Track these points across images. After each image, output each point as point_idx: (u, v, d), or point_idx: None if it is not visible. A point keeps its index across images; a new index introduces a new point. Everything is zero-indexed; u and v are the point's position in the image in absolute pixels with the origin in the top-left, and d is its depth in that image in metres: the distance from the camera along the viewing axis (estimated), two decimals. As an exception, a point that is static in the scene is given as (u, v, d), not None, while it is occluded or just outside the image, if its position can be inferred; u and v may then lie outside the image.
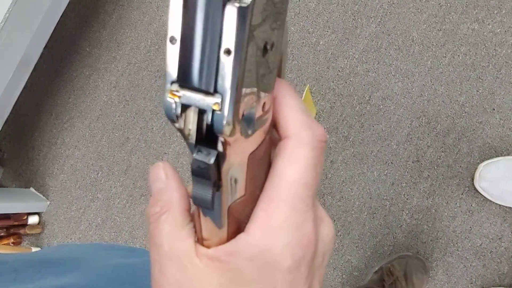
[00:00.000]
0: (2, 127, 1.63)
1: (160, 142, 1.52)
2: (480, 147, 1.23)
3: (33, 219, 1.57)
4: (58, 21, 1.51)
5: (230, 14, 0.18)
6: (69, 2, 1.50)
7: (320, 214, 0.26)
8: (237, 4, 0.17)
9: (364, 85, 1.34)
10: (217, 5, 0.18)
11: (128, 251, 0.65)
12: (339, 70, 1.36)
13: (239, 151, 0.21)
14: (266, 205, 0.23)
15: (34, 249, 1.55)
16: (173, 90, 0.19)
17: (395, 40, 1.33)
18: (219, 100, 0.19)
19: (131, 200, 1.53)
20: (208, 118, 0.19)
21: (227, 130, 0.19)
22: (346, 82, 1.35)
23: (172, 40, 0.19)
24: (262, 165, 0.24)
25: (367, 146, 1.31)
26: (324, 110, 1.36)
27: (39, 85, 1.64)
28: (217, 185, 0.22)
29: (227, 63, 0.18)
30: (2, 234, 1.51)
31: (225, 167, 0.21)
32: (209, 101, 0.19)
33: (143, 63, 1.56)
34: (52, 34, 1.51)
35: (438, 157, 1.26)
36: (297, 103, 0.24)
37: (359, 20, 1.36)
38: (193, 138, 0.20)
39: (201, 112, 0.20)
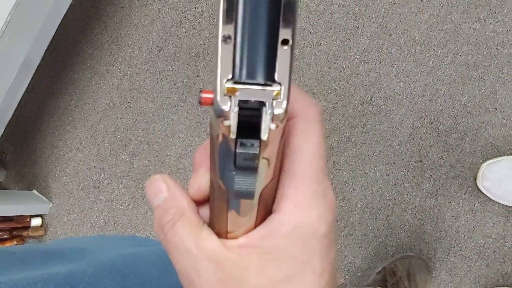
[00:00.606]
0: (5, 129, 1.64)
1: (162, 143, 1.52)
2: (483, 146, 1.23)
3: (36, 221, 1.57)
4: (60, 23, 1.51)
5: (287, 6, 0.18)
6: (70, 4, 1.50)
7: None
8: None
9: (366, 85, 1.34)
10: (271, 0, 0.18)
11: (131, 239, 0.66)
12: (340, 71, 1.36)
13: (277, 136, 0.22)
14: (293, 183, 0.25)
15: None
16: (230, 88, 0.20)
17: (396, 40, 1.33)
18: (278, 89, 0.20)
19: (133, 201, 1.53)
20: (267, 108, 0.20)
21: (283, 115, 0.20)
22: (348, 83, 1.35)
23: (226, 39, 0.19)
24: (282, 150, 0.25)
25: (369, 146, 1.31)
26: (326, 111, 1.36)
27: (41, 88, 1.65)
28: (257, 173, 0.23)
29: (285, 53, 0.19)
30: (5, 236, 1.51)
31: (264, 155, 0.22)
32: (269, 92, 0.20)
33: (144, 65, 1.56)
34: (53, 36, 1.52)
35: (441, 157, 1.26)
36: (302, 92, 0.26)
37: (361, 20, 1.36)
38: (234, 133, 0.21)
39: (242, 107, 0.20)
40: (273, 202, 0.26)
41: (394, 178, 1.29)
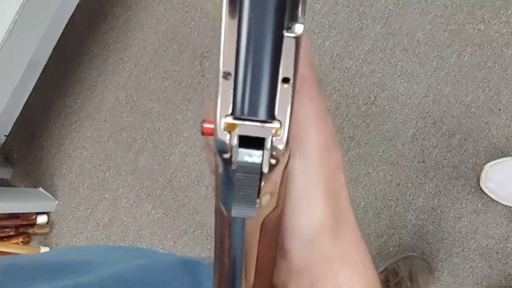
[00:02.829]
0: (12, 128, 1.66)
1: (167, 142, 1.53)
2: (486, 147, 1.23)
3: (41, 219, 1.58)
4: (67, 23, 1.53)
5: (289, 44, 0.18)
6: (77, 4, 1.52)
7: None
8: (293, 34, 0.18)
9: (369, 85, 1.34)
10: (273, 36, 0.18)
11: (135, 251, 0.66)
12: (344, 71, 1.36)
13: (280, 167, 0.22)
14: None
15: (42, 249, 1.56)
16: (230, 123, 0.20)
17: (400, 40, 1.33)
18: (278, 126, 0.20)
19: (138, 200, 1.54)
20: (267, 144, 0.20)
21: (284, 152, 0.20)
22: (351, 83, 1.36)
23: (227, 75, 0.19)
24: (286, 179, 0.25)
25: (372, 146, 1.31)
26: (330, 111, 1.36)
27: (48, 87, 1.66)
28: (257, 204, 0.23)
29: (286, 91, 0.19)
30: (11, 233, 1.53)
31: (266, 187, 0.22)
32: (268, 129, 0.20)
33: (150, 65, 1.58)
34: (60, 36, 1.54)
35: (444, 158, 1.26)
36: None
37: (365, 21, 1.36)
38: (235, 165, 0.21)
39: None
40: (279, 232, 0.26)
41: (397, 178, 1.29)
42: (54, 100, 1.67)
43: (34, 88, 1.57)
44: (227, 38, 0.19)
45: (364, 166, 1.32)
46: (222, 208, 0.24)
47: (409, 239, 1.26)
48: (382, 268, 1.24)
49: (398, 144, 1.29)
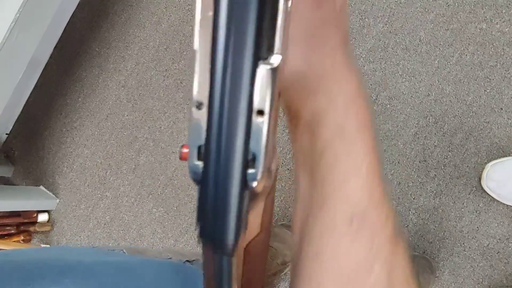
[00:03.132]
0: (13, 126, 1.66)
1: (168, 141, 1.53)
2: (488, 146, 1.22)
3: (42, 217, 1.59)
4: (68, 21, 1.53)
5: (263, 75, 0.18)
6: (78, 3, 1.52)
7: None
8: (268, 66, 0.18)
9: (371, 84, 1.34)
10: (247, 67, 0.18)
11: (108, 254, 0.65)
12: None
13: (261, 198, 0.22)
14: None
15: (43, 247, 1.57)
16: (202, 153, 0.19)
17: (402, 39, 1.32)
18: (252, 159, 0.19)
19: (139, 198, 1.54)
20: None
21: (260, 185, 0.20)
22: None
23: (199, 106, 0.19)
24: (271, 205, 0.25)
25: (373, 145, 1.31)
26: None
27: (49, 85, 1.66)
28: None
29: (260, 125, 0.19)
30: (12, 231, 1.53)
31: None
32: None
33: (151, 63, 1.57)
34: (62, 34, 1.53)
35: (445, 157, 1.26)
36: None
37: (366, 19, 1.36)
38: None
39: None
40: (265, 256, 0.26)
41: (398, 177, 1.28)
42: (55, 98, 1.67)
43: (35, 86, 1.57)
44: (201, 68, 0.18)
45: (365, 165, 1.31)
46: (198, 239, 0.24)
47: (410, 238, 1.26)
48: (383, 267, 1.24)
49: (400, 143, 1.29)
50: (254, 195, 0.20)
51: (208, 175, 0.19)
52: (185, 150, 0.21)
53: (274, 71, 0.18)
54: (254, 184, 0.19)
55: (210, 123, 0.19)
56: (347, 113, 0.28)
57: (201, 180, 0.19)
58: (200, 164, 0.19)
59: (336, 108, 0.28)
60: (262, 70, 0.18)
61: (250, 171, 0.19)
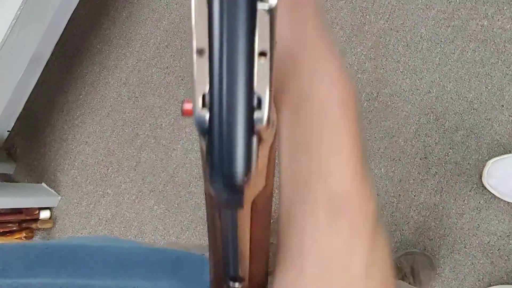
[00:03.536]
0: (15, 123, 1.66)
1: (169, 138, 1.53)
2: (489, 144, 1.22)
3: (44, 214, 1.59)
4: (69, 18, 1.53)
5: (263, 16, 0.18)
6: (79, 0, 1.52)
7: None
8: (267, 6, 0.17)
9: (372, 81, 1.33)
10: (245, 7, 0.17)
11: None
12: (347, 67, 1.36)
13: (266, 145, 0.22)
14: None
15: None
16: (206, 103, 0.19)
17: (403, 36, 1.32)
18: (257, 102, 0.19)
19: (140, 195, 1.54)
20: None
21: (266, 126, 0.20)
22: (354, 79, 1.35)
23: (201, 52, 0.18)
24: (274, 158, 0.25)
25: (374, 142, 1.31)
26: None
27: (50, 82, 1.67)
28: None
29: (263, 65, 0.18)
30: (14, 228, 1.54)
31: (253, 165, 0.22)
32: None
33: (152, 60, 1.58)
34: (63, 31, 1.54)
35: (446, 154, 1.26)
36: None
37: (367, 16, 1.36)
38: None
39: None
40: (270, 212, 0.26)
41: (399, 174, 1.29)
42: (57, 95, 1.67)
43: (36, 83, 1.57)
44: (198, 13, 0.18)
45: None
46: (211, 190, 0.23)
47: (411, 236, 1.26)
48: (383, 264, 1.24)
49: (401, 140, 1.29)
50: (260, 140, 0.20)
51: (215, 121, 0.19)
52: (187, 104, 0.21)
53: (272, 11, 0.18)
54: (262, 126, 0.19)
55: (212, 67, 0.18)
56: (330, 93, 0.28)
57: (208, 129, 0.19)
58: (205, 113, 0.19)
59: (319, 90, 0.28)
60: (261, 11, 0.18)
61: (257, 114, 0.19)
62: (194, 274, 0.47)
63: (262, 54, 0.18)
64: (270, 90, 0.19)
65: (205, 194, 0.26)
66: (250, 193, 0.23)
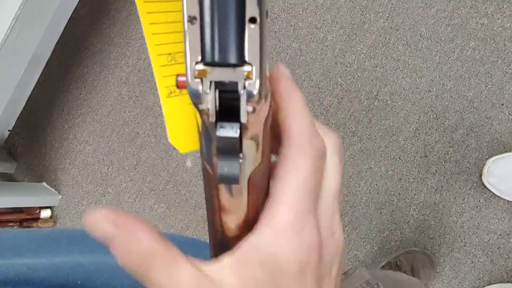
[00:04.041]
0: (15, 122, 1.66)
1: (170, 137, 1.53)
2: (489, 142, 1.22)
3: (45, 213, 1.59)
4: (69, 18, 1.53)
5: None
6: (79, -1, 1.52)
7: (334, 225, 0.26)
8: None
9: (372, 80, 1.33)
10: None
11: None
12: (347, 66, 1.36)
13: (259, 119, 0.22)
14: (272, 209, 0.24)
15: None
16: (200, 70, 0.19)
17: (403, 35, 1.32)
18: (249, 69, 0.19)
19: (140, 194, 1.55)
20: (240, 88, 0.19)
21: (257, 96, 0.20)
22: (354, 78, 1.35)
23: (192, 20, 0.18)
24: (269, 134, 0.25)
25: (374, 141, 1.31)
26: (332, 106, 1.36)
27: (51, 81, 1.67)
28: (240, 158, 0.22)
29: (254, 32, 0.18)
30: (15, 227, 1.54)
31: (247, 137, 0.22)
32: (239, 72, 0.19)
33: (152, 59, 1.58)
34: (63, 31, 1.54)
35: (446, 153, 1.26)
36: (306, 115, 0.25)
37: (367, 15, 1.36)
38: (213, 116, 0.20)
39: (220, 90, 0.20)
40: (267, 187, 0.26)
41: (399, 173, 1.29)
42: (57, 94, 1.67)
43: (37, 83, 1.57)
44: None
45: (366, 161, 1.32)
46: (208, 167, 0.23)
47: (411, 234, 1.26)
48: (384, 263, 1.25)
49: (400, 139, 1.29)
50: (254, 110, 0.20)
51: None
52: (181, 78, 0.21)
53: None
54: (254, 94, 0.19)
55: (203, 32, 0.18)
56: None
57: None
58: (199, 82, 0.19)
59: None
60: None
61: (249, 81, 0.19)
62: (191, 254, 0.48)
63: (252, 20, 0.18)
64: (261, 58, 0.19)
65: (203, 172, 0.25)
66: (246, 168, 0.23)
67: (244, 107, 0.20)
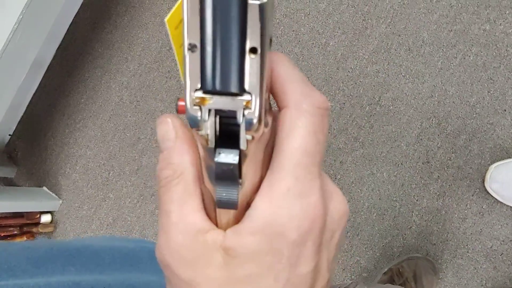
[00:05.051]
0: (16, 127, 1.66)
1: (171, 142, 1.53)
2: (491, 148, 1.22)
3: (45, 218, 1.59)
4: (71, 22, 1.53)
5: (253, 11, 0.17)
6: (81, 4, 1.52)
7: (330, 188, 0.25)
8: (257, 1, 0.17)
9: (374, 86, 1.33)
10: (237, 4, 0.17)
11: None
12: (349, 71, 1.36)
13: (260, 144, 0.22)
14: (269, 177, 0.23)
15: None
16: (199, 97, 0.19)
17: (405, 40, 1.32)
18: (249, 99, 0.19)
19: (141, 199, 1.54)
20: (239, 118, 0.19)
21: (257, 125, 0.20)
22: (355, 83, 1.35)
23: (192, 48, 0.18)
24: (269, 154, 0.24)
25: (376, 147, 1.31)
26: (334, 111, 1.36)
27: (52, 86, 1.67)
28: (239, 183, 0.22)
29: (254, 62, 0.18)
30: (16, 232, 1.53)
31: (246, 163, 0.22)
32: (239, 102, 0.19)
33: (154, 64, 1.58)
34: (65, 35, 1.54)
35: (449, 158, 1.25)
36: (295, 73, 0.23)
37: (369, 20, 1.36)
38: (212, 142, 0.20)
39: (220, 115, 0.20)
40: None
41: (401, 179, 1.28)
42: (58, 99, 1.67)
43: (38, 87, 1.57)
44: (190, 8, 0.18)
45: (368, 166, 1.31)
46: (208, 185, 0.23)
47: (413, 240, 1.25)
48: (386, 269, 1.24)
49: (403, 144, 1.29)
50: (250, 140, 0.20)
51: None
52: (182, 103, 0.21)
53: (263, 6, 0.17)
54: (253, 123, 0.19)
55: (204, 60, 0.18)
56: None
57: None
58: (198, 109, 0.19)
59: None
60: (251, 6, 0.17)
61: (248, 111, 0.19)
62: None
63: (253, 50, 0.18)
64: (261, 87, 0.19)
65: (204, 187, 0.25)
66: (244, 192, 0.23)
67: (244, 135, 0.20)
